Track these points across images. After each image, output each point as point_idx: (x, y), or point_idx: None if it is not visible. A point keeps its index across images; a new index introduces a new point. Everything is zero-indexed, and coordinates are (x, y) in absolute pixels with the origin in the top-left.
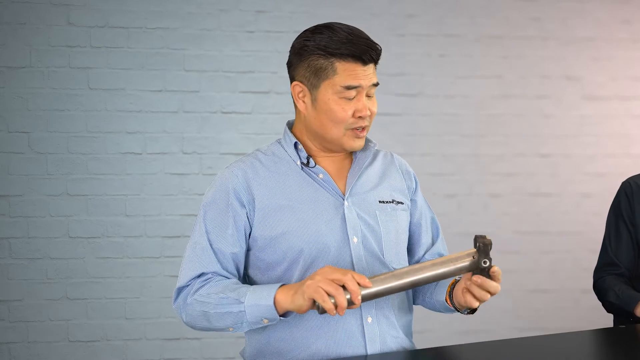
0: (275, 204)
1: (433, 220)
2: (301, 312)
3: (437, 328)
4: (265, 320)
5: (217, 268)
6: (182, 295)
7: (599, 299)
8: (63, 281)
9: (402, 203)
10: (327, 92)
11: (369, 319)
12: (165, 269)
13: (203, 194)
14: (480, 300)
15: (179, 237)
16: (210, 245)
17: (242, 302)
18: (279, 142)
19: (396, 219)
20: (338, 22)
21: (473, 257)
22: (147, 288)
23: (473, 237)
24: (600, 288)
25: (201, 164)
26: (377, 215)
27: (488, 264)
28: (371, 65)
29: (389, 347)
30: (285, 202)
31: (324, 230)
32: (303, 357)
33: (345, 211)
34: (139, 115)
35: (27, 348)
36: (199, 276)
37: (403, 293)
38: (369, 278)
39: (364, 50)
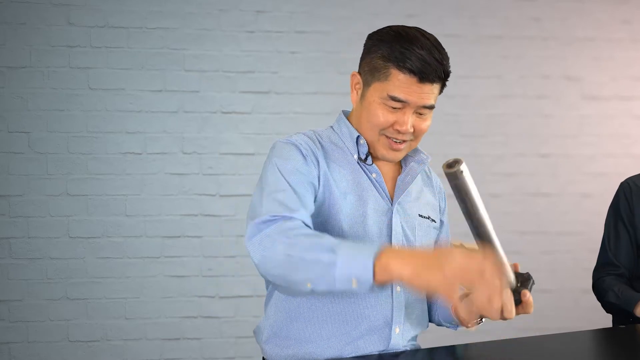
0: (334, 184)
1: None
2: (430, 291)
3: (436, 328)
4: (355, 282)
5: (302, 214)
6: (265, 231)
7: (598, 299)
8: (63, 281)
9: (435, 221)
10: (375, 93)
11: (395, 328)
12: (165, 269)
13: (203, 194)
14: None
15: (179, 237)
16: (293, 188)
17: (336, 253)
18: (333, 130)
19: (428, 236)
20: (425, 31)
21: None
22: (147, 288)
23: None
24: (599, 288)
25: (201, 164)
26: (416, 228)
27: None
28: (431, 86)
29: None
30: (341, 188)
31: (371, 231)
32: (319, 345)
33: (393, 217)
34: (139, 115)
35: (27, 348)
36: (284, 216)
37: (423, 306)
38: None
39: (424, 68)
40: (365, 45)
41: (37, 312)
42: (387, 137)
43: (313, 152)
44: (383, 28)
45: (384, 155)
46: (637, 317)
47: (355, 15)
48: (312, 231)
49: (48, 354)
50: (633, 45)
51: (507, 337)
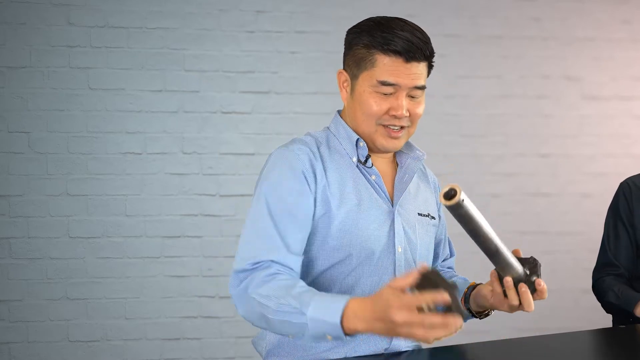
0: (333, 195)
1: (448, 238)
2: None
3: None
4: (330, 337)
5: (283, 256)
6: (243, 283)
7: (598, 299)
8: (63, 281)
9: (434, 218)
10: (364, 83)
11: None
12: (165, 269)
13: (203, 194)
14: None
15: (178, 237)
16: (276, 227)
17: (305, 314)
18: (330, 132)
19: (429, 234)
20: (402, 18)
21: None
22: (147, 288)
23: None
24: (599, 288)
25: (201, 164)
26: (416, 228)
27: (535, 279)
28: (418, 65)
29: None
30: (342, 195)
31: (374, 236)
32: (322, 349)
33: (395, 219)
34: (139, 115)
35: (27, 348)
36: (261, 264)
37: None
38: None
39: (408, 47)
40: (345, 40)
41: (37, 312)
42: (384, 126)
43: (312, 166)
44: (360, 21)
45: (383, 145)
46: (637, 317)
47: (355, 15)
48: (283, 284)
49: (48, 354)
50: (633, 45)
51: (507, 337)
